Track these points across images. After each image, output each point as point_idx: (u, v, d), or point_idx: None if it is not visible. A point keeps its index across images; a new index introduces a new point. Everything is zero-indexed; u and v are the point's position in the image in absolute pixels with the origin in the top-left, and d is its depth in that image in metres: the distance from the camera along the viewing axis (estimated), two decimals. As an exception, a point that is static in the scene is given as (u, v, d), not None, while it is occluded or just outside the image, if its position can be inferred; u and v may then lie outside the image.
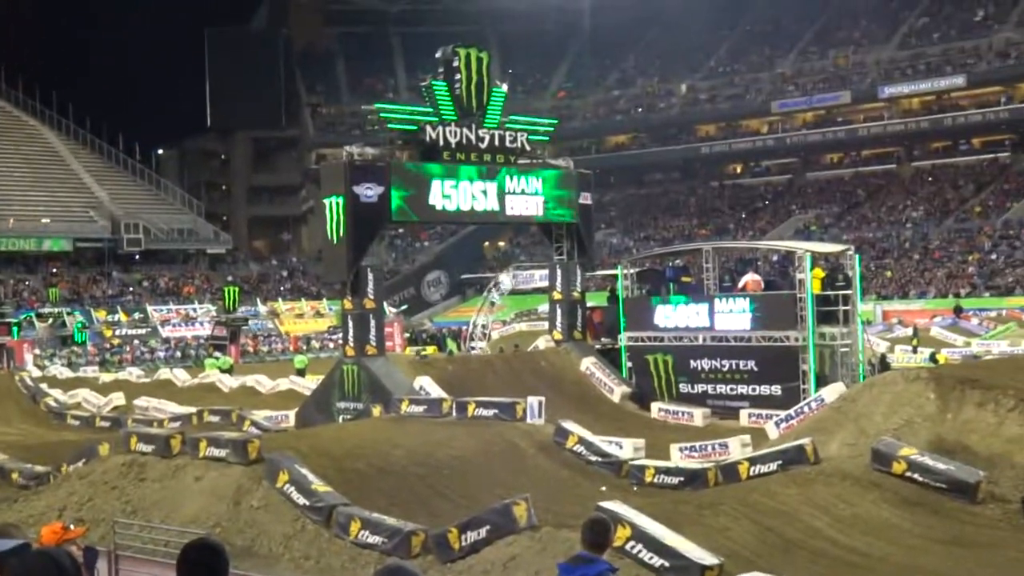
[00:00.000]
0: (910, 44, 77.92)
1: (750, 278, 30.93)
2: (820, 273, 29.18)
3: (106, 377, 47.12)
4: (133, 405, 36.14)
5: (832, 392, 24.08)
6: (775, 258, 35.76)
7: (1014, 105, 70.52)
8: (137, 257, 73.69)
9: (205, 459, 19.22)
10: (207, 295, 69.81)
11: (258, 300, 69.87)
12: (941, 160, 75.70)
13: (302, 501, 17.46)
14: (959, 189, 71.55)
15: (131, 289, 70.01)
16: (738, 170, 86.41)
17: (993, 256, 62.09)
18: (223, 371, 44.04)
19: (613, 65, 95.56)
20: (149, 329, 62.89)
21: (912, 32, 78.96)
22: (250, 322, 61.99)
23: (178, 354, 60.09)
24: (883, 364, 32.47)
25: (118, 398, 37.47)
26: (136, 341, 61.13)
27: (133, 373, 47.88)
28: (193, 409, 31.59)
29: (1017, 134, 72.55)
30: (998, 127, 72.55)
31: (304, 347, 60.68)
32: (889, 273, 63.77)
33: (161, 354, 59.87)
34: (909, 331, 48.00)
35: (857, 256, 31.02)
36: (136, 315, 64.32)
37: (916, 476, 16.77)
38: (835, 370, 28.59)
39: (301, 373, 41.70)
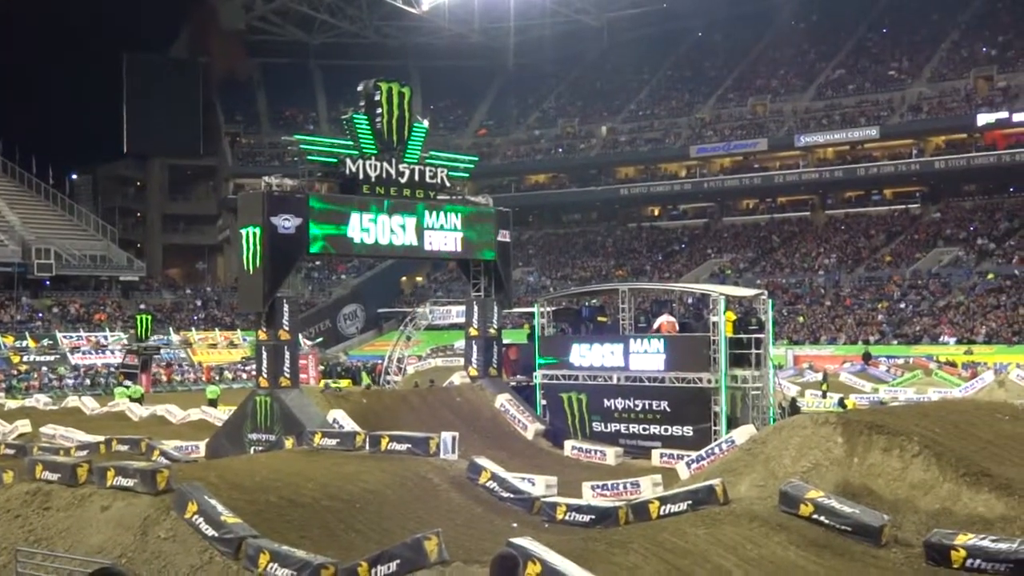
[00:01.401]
0: (826, 95, 79.46)
1: (665, 319, 31.20)
2: (732, 316, 29.56)
3: (12, 404, 46.33)
4: (39, 433, 35.34)
5: (743, 434, 24.30)
6: (690, 300, 36.08)
7: (925, 158, 72.07)
8: (47, 283, 72.47)
9: (112, 488, 18.86)
10: (119, 323, 68.83)
11: (171, 329, 69.09)
12: (854, 209, 77.11)
13: (211, 532, 17.19)
14: (870, 238, 72.91)
15: (40, 315, 68.81)
16: (656, 213, 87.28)
17: (902, 305, 63.23)
18: (133, 400, 43.49)
19: (535, 105, 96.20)
20: (58, 356, 61.92)
21: (828, 83, 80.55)
22: (162, 351, 61.31)
23: (87, 382, 59.27)
24: (793, 408, 32.82)
25: (24, 425, 36.68)
26: (44, 368, 60.16)
27: (40, 400, 47.09)
28: (101, 438, 30.99)
29: (927, 186, 74.24)
30: (909, 179, 74.03)
31: (217, 377, 60.04)
32: (801, 318, 64.64)
33: (70, 381, 58.98)
34: (819, 376, 48.60)
35: (770, 301, 31.43)
36: (45, 341, 63.27)
37: (822, 519, 16.93)
38: (746, 412, 28.90)
39: (213, 404, 41.26)
